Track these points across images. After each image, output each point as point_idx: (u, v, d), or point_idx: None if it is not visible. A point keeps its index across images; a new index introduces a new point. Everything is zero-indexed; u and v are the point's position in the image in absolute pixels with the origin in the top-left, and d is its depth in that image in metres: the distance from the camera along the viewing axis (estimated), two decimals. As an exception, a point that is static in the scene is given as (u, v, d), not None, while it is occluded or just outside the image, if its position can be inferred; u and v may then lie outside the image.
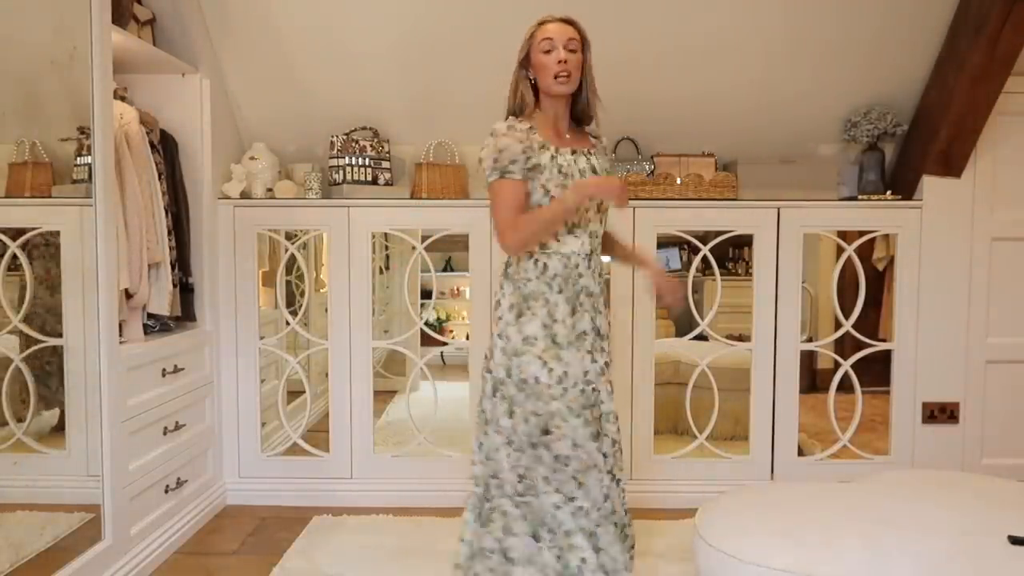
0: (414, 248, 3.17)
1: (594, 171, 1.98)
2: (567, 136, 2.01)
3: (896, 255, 3.15)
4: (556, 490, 1.94)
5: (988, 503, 1.89)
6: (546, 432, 1.92)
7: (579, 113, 2.04)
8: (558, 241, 1.95)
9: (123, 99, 2.61)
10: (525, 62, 1.98)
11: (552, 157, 1.93)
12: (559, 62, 1.91)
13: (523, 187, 1.91)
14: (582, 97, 2.01)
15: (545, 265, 1.95)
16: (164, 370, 2.66)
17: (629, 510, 2.08)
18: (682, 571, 2.49)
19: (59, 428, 2.32)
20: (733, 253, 5.92)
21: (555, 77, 1.92)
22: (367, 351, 3.13)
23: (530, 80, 1.98)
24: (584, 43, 1.98)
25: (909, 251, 3.12)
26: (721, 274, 3.25)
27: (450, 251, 6.43)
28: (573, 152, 1.97)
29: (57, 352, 2.27)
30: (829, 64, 3.06)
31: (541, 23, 1.97)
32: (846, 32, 2.96)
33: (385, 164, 3.20)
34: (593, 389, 1.95)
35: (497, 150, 1.91)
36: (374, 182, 3.16)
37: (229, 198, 3.08)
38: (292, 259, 3.38)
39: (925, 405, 3.16)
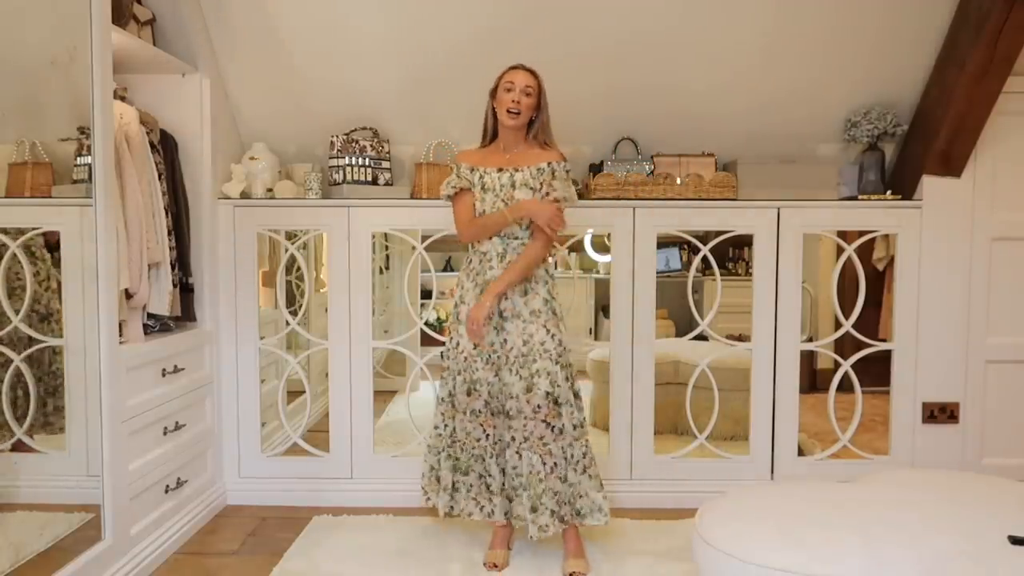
0: (414, 248, 3.17)
1: (512, 185, 2.50)
2: (507, 157, 2.55)
3: (896, 255, 3.15)
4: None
5: (988, 503, 1.89)
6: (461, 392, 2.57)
7: (534, 139, 2.57)
8: (479, 242, 2.55)
9: (123, 99, 2.61)
10: (493, 94, 2.56)
11: (480, 177, 2.55)
12: (513, 101, 2.47)
13: (464, 197, 2.57)
14: (534, 128, 2.55)
15: (471, 260, 2.60)
16: (164, 370, 2.66)
17: (555, 491, 2.47)
18: (682, 571, 2.49)
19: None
20: (733, 253, 5.93)
21: (508, 111, 2.49)
22: (367, 351, 3.13)
23: (494, 110, 2.55)
24: (540, 91, 2.52)
25: (909, 251, 3.12)
26: (721, 274, 3.26)
27: (450, 251, 6.44)
28: (500, 170, 2.54)
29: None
30: (829, 64, 3.06)
31: (511, 68, 2.53)
32: (846, 32, 2.96)
33: (385, 164, 3.20)
34: (498, 357, 2.51)
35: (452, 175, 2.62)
36: (374, 182, 3.16)
37: (229, 198, 3.08)
38: (292, 259, 3.38)
39: (925, 405, 3.16)
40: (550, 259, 2.63)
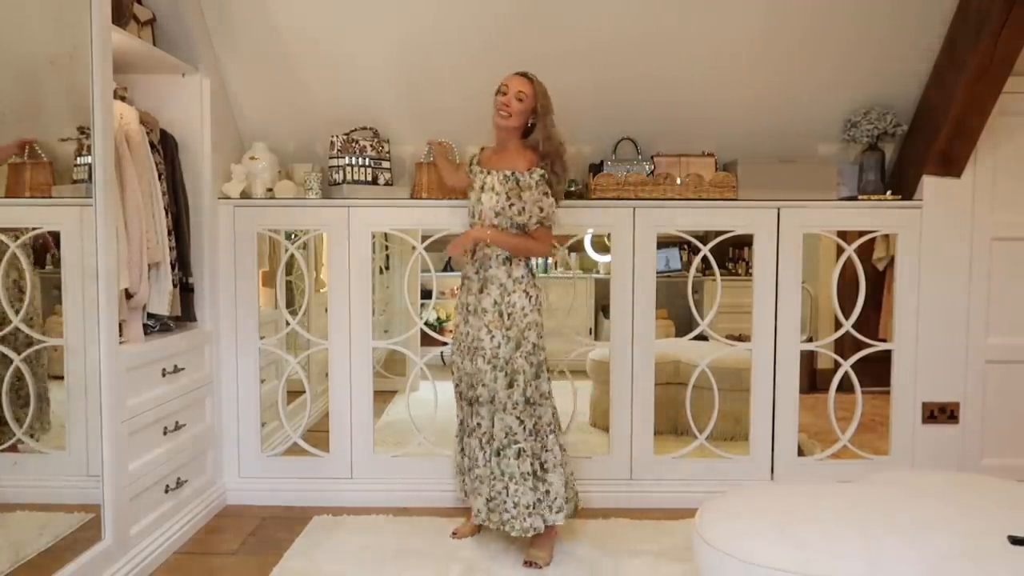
0: (414, 248, 3.17)
1: (482, 188, 2.63)
2: (495, 158, 2.68)
3: (896, 255, 3.15)
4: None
5: (988, 503, 1.89)
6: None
7: (526, 144, 2.64)
8: None
9: (123, 99, 2.61)
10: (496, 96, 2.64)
11: (476, 176, 2.70)
12: (503, 104, 2.58)
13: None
14: (532, 135, 2.62)
15: None
16: (164, 370, 2.66)
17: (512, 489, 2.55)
18: (682, 571, 2.49)
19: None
20: (733, 253, 5.93)
21: (498, 111, 2.59)
22: (367, 351, 3.13)
23: None
24: (536, 98, 2.58)
25: (909, 251, 3.12)
26: (721, 274, 3.26)
27: (450, 251, 6.43)
28: (488, 172, 2.65)
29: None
30: (829, 64, 3.06)
31: (512, 74, 2.61)
32: (846, 33, 2.96)
33: (385, 164, 3.19)
34: (464, 347, 2.68)
35: None
36: (374, 182, 3.16)
37: (229, 198, 3.08)
38: (292, 259, 3.38)
39: (925, 405, 3.16)
40: (523, 264, 2.64)
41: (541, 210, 2.56)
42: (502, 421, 2.56)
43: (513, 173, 2.57)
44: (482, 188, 2.63)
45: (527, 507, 2.53)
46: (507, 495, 2.55)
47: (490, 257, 2.61)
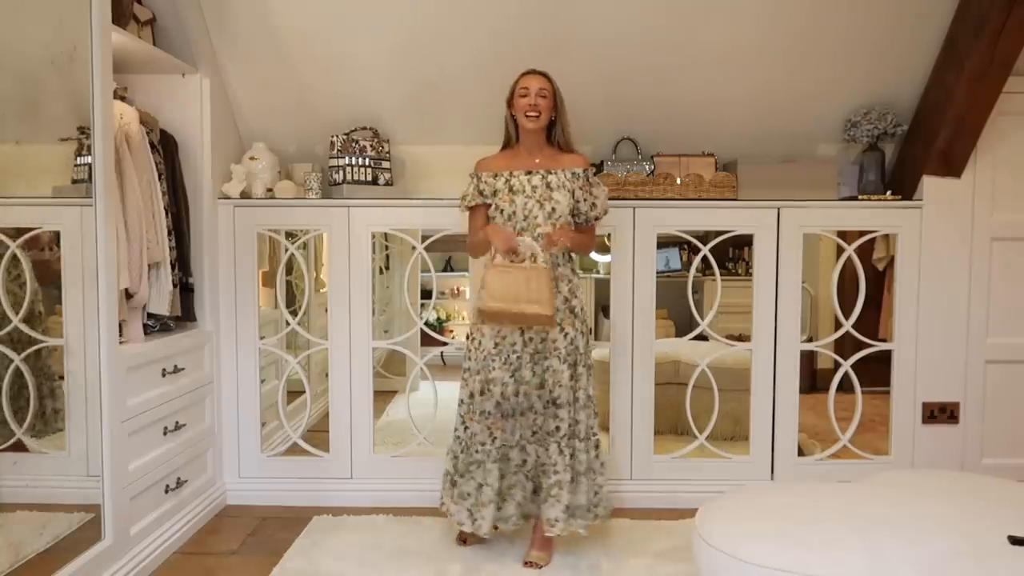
0: (414, 248, 3.17)
1: (548, 186, 2.55)
2: (536, 161, 2.60)
3: (896, 255, 3.15)
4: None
5: (988, 503, 1.89)
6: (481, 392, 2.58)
7: (556, 143, 2.63)
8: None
9: (123, 99, 2.61)
10: (509, 102, 2.61)
11: (506, 180, 2.58)
12: (530, 105, 2.53)
13: (478, 212, 2.65)
14: (556, 131, 2.61)
15: (493, 255, 2.57)
16: (164, 370, 2.66)
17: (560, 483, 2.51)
18: (682, 571, 2.49)
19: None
20: (733, 253, 5.92)
21: (525, 115, 2.54)
22: (367, 351, 3.13)
23: (513, 117, 2.61)
24: (555, 93, 2.58)
25: (909, 251, 3.12)
26: (721, 274, 3.25)
27: (450, 251, 6.43)
28: (529, 173, 2.57)
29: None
30: (829, 64, 3.06)
31: (524, 74, 2.59)
32: (846, 32, 2.96)
33: (385, 164, 3.20)
34: (517, 357, 2.55)
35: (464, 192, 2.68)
36: (374, 182, 3.16)
37: (229, 198, 3.08)
38: (292, 259, 3.38)
39: (925, 405, 3.16)
40: (573, 261, 2.67)
41: (607, 202, 2.66)
42: (588, 418, 2.59)
43: (584, 171, 2.60)
44: (548, 187, 2.54)
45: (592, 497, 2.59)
46: (588, 488, 2.57)
47: (556, 256, 2.59)
